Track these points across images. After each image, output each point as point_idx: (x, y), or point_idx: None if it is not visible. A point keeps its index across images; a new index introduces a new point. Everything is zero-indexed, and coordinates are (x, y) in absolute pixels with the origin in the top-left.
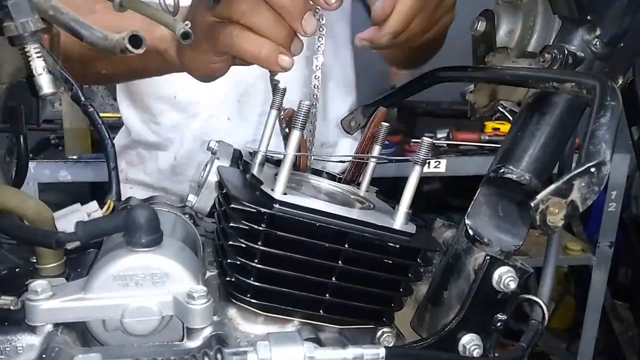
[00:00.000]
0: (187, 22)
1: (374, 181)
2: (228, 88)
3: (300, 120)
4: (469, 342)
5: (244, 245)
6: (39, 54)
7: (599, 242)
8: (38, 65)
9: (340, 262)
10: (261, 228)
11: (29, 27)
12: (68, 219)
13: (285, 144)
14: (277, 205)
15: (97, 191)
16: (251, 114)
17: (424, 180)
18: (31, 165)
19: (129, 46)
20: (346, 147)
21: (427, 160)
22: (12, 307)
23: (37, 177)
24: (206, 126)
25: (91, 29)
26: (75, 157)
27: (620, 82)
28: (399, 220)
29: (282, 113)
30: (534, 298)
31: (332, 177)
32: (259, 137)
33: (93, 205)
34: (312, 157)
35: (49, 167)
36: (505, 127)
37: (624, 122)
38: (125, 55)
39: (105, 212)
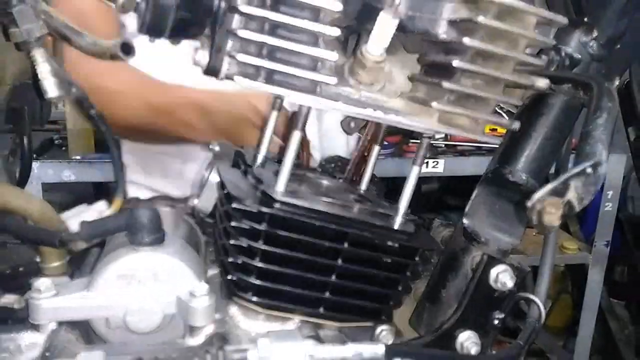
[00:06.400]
0: None
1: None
2: None
3: (301, 120)
4: (467, 339)
5: (245, 245)
6: (44, 59)
7: (595, 241)
8: (43, 69)
9: (340, 261)
10: (262, 227)
11: (33, 33)
12: (77, 219)
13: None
14: (277, 205)
15: (101, 191)
16: None
17: (422, 180)
18: (35, 165)
19: (120, 53)
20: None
21: (426, 161)
22: (15, 306)
23: (41, 177)
24: None
25: (81, 34)
26: (78, 157)
27: (616, 84)
28: (398, 219)
29: None
30: (531, 296)
31: (332, 176)
32: None
33: (102, 204)
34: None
35: (52, 167)
36: (502, 128)
37: (620, 123)
38: None
39: (113, 211)
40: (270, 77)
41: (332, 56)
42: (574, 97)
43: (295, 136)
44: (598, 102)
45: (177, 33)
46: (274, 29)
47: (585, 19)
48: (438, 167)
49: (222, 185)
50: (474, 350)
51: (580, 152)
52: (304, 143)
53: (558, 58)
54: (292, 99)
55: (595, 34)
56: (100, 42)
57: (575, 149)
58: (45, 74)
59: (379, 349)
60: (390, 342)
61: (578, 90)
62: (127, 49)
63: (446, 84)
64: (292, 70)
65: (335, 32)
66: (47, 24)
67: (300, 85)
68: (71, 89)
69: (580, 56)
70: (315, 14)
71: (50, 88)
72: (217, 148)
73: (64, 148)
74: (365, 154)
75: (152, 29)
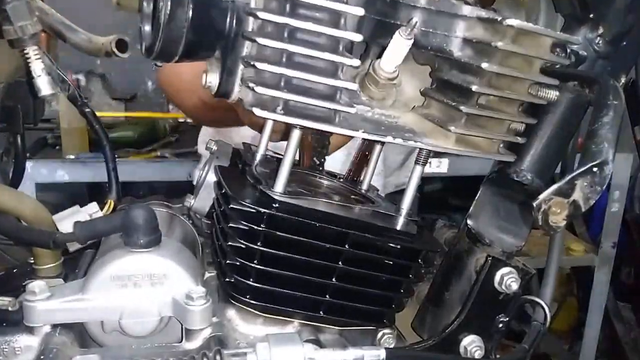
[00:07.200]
0: None
1: None
2: None
3: None
4: (471, 343)
5: (243, 246)
6: (38, 56)
7: (601, 242)
8: (37, 67)
9: (340, 262)
10: (261, 228)
11: (27, 30)
12: (69, 221)
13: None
14: (276, 205)
15: (94, 191)
16: None
17: (425, 180)
18: (28, 165)
19: (115, 50)
20: None
21: (429, 160)
22: (10, 308)
23: (35, 177)
24: None
25: (76, 31)
26: (72, 156)
27: (623, 81)
28: (400, 220)
29: None
30: (536, 299)
31: (333, 175)
32: None
33: (93, 206)
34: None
35: (46, 166)
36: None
37: (627, 121)
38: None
39: (106, 212)
40: (288, 107)
41: (352, 86)
42: (580, 95)
43: (295, 135)
44: (604, 100)
45: (187, 57)
46: (291, 57)
47: (591, 16)
48: (441, 167)
49: (219, 184)
50: (477, 354)
51: (586, 151)
52: (304, 142)
53: (563, 55)
54: (312, 127)
55: (601, 30)
56: (95, 39)
57: (581, 149)
58: (39, 72)
59: (381, 353)
60: (392, 346)
61: (584, 88)
62: (122, 46)
63: (464, 108)
64: (311, 100)
65: (356, 62)
66: (42, 20)
67: (319, 114)
68: (64, 85)
69: (585, 53)
70: (334, 44)
71: (44, 86)
72: (214, 147)
73: (57, 147)
74: (367, 153)
75: (162, 55)
